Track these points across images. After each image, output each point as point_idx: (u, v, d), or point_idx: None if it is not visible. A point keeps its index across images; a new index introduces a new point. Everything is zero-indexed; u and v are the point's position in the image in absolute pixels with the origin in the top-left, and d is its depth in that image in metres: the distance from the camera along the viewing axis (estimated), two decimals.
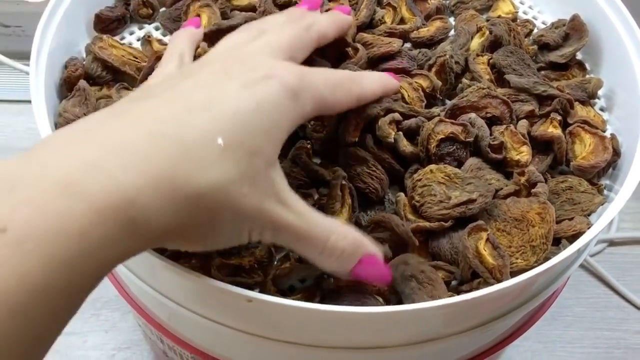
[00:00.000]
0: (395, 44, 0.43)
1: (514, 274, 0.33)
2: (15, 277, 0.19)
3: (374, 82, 0.35)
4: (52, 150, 0.23)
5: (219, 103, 0.26)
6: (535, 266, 0.33)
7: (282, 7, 0.45)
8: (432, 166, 0.36)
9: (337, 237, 0.28)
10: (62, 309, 0.21)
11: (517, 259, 0.34)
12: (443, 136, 0.37)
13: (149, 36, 0.45)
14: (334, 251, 0.28)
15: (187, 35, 0.38)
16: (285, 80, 0.27)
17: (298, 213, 0.28)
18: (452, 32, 0.47)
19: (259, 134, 0.26)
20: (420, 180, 0.36)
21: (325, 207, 0.35)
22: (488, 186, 0.35)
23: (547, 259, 0.33)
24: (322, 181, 0.37)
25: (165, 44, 0.44)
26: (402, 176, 0.37)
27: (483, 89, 0.39)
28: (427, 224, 0.34)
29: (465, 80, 0.42)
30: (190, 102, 0.26)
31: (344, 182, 0.35)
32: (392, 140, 0.37)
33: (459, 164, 0.37)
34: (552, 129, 0.39)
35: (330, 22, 0.36)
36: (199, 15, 0.45)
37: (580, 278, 0.67)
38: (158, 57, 0.40)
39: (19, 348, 0.20)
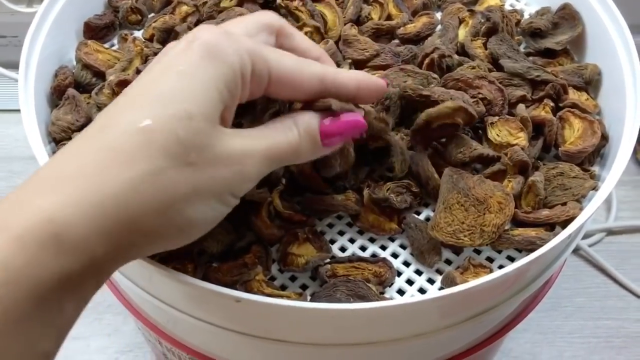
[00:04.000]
0: (368, 52, 0.43)
1: (456, 249, 0.36)
2: None
3: (350, 73, 0.32)
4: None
5: (144, 92, 0.25)
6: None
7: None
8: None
9: (296, 133, 0.29)
10: (4, 335, 0.21)
11: (465, 236, 0.34)
12: None
13: (125, 34, 0.45)
14: (303, 145, 0.29)
15: None
16: (204, 39, 0.26)
17: (259, 137, 0.28)
18: (438, 28, 0.47)
19: (185, 100, 0.25)
20: None
21: None
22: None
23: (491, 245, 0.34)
24: None
25: (142, 43, 0.45)
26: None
27: (480, 68, 0.40)
28: None
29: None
30: (116, 104, 0.26)
31: None
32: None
33: None
34: (544, 114, 0.40)
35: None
36: (184, 19, 0.46)
37: (579, 268, 0.67)
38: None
39: None
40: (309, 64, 0.29)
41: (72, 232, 0.22)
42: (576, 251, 0.68)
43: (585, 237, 0.69)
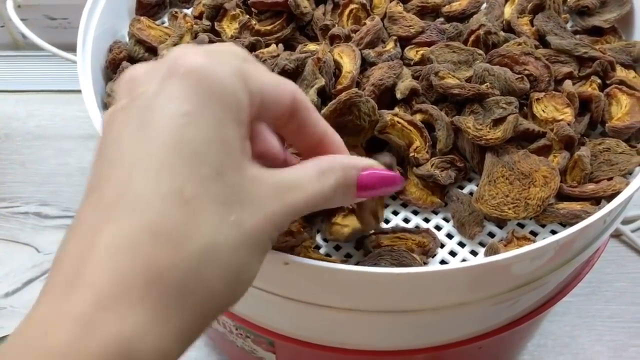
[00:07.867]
0: (413, 29, 0.44)
1: (500, 222, 0.36)
2: None
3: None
4: (43, 316, 0.20)
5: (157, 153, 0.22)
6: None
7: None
8: None
9: (329, 174, 0.25)
10: None
11: (509, 209, 0.35)
12: None
13: (175, 12, 0.47)
14: (334, 188, 0.25)
15: None
16: (188, 65, 0.22)
17: (291, 182, 0.24)
18: (483, 6, 0.47)
19: (202, 154, 0.22)
20: None
21: None
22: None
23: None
24: None
25: (192, 19, 0.46)
26: None
27: (527, 45, 0.40)
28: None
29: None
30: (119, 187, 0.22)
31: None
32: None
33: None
34: (591, 90, 0.40)
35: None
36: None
37: (621, 253, 0.67)
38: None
39: None
40: (284, 80, 0.26)
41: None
42: (618, 236, 0.67)
43: (628, 222, 0.68)
